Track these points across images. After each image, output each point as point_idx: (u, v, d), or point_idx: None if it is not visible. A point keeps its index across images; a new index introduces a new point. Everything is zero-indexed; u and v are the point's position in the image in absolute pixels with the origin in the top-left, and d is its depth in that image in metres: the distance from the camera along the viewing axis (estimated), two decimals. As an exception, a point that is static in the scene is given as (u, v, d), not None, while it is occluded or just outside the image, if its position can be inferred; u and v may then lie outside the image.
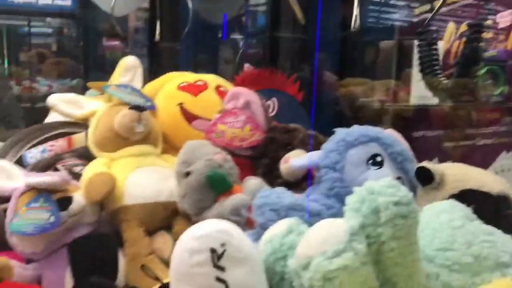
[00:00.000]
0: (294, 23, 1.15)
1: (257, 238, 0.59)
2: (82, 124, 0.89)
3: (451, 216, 0.51)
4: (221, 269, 0.45)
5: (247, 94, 0.82)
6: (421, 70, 1.12)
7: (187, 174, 0.74)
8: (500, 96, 1.26)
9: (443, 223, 0.51)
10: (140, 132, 0.82)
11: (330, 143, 0.66)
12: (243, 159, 0.83)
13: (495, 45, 1.32)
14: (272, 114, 1.01)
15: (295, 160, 0.69)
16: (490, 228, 0.51)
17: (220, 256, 0.46)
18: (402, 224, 0.43)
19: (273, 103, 1.02)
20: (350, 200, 0.46)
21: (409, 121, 1.17)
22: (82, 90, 1.78)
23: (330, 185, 0.64)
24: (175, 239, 0.76)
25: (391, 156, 0.64)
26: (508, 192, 0.60)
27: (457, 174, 0.61)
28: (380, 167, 0.62)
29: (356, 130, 0.67)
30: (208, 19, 1.75)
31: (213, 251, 0.47)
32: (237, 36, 1.92)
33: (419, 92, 1.16)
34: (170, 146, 0.90)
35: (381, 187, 0.44)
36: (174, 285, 0.48)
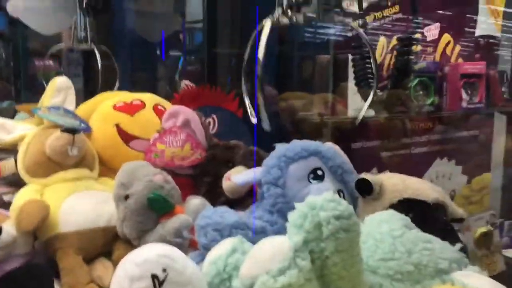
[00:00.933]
0: (231, 39, 1.15)
1: (201, 259, 0.58)
2: (10, 150, 0.84)
3: (392, 226, 0.52)
4: (164, 295, 0.44)
5: (186, 113, 0.80)
6: (356, 83, 1.15)
7: (126, 197, 0.71)
8: (432, 106, 1.32)
9: (384, 233, 0.52)
10: (74, 156, 0.79)
11: (271, 159, 0.66)
12: (184, 178, 0.82)
13: (424, 57, 1.38)
14: (213, 131, 1.00)
15: (236, 177, 0.68)
16: (428, 236, 0.52)
17: (162, 282, 0.45)
18: (344, 237, 0.43)
19: (213, 120, 1.01)
20: (292, 216, 0.45)
21: (348, 133, 1.20)
22: (13, 112, 1.70)
23: (273, 201, 0.63)
24: (116, 265, 0.73)
25: (331, 170, 0.65)
26: (443, 199, 0.62)
27: (395, 184, 0.63)
28: (321, 181, 0.63)
29: (296, 145, 0.67)
30: (144, 37, 1.72)
31: (154, 277, 0.45)
32: (176, 53, 1.90)
33: (356, 105, 1.19)
34: (107, 169, 0.87)
35: (322, 201, 0.44)
36: (114, 315, 0.46)
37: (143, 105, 0.91)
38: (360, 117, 1.05)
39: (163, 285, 0.45)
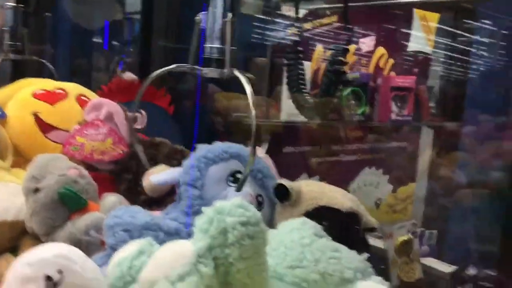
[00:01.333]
0: (169, 32, 1.12)
1: (107, 260, 0.55)
2: None
3: (302, 234, 0.52)
4: (57, 298, 0.41)
5: (110, 105, 0.77)
6: (289, 88, 1.16)
7: (36, 190, 0.68)
8: (362, 116, 1.35)
9: (294, 240, 0.52)
10: (-16, 144, 0.74)
11: (190, 160, 0.64)
12: (104, 173, 0.79)
13: (357, 68, 1.42)
14: (140, 127, 0.97)
15: (154, 176, 0.66)
16: (337, 245, 0.53)
17: (56, 284, 0.42)
18: (249, 244, 0.43)
19: (141, 115, 0.98)
20: (199, 220, 0.44)
21: (280, 137, 1.21)
22: None
23: (190, 203, 0.62)
24: (22, 262, 0.70)
25: (251, 174, 0.64)
26: (357, 209, 0.63)
27: (312, 191, 0.63)
28: None
29: (218, 146, 0.66)
30: (82, 25, 1.65)
31: (48, 278, 0.42)
32: (116, 43, 1.84)
33: (289, 109, 1.20)
34: (23, 159, 0.83)
35: (230, 207, 0.44)
36: (2, 319, 0.43)
37: (65, 94, 0.87)
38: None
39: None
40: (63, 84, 0.89)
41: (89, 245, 0.65)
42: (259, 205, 0.64)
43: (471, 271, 1.40)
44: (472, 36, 1.62)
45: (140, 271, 0.49)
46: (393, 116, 1.43)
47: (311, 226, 0.54)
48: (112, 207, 0.69)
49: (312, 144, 1.32)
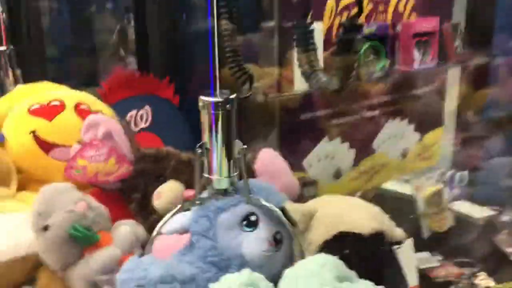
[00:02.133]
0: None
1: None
2: None
3: (321, 281, 0.48)
4: None
5: (106, 123, 0.72)
6: (297, 51, 1.06)
7: (45, 228, 0.65)
8: (382, 71, 1.26)
9: (313, 289, 0.48)
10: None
11: (200, 208, 0.59)
12: (112, 193, 0.76)
13: (375, 17, 1.30)
14: (146, 124, 0.93)
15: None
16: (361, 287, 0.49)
17: None
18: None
19: (145, 111, 0.93)
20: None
21: (296, 110, 1.14)
22: None
23: (204, 253, 0.58)
24: (41, 294, 0.69)
25: (263, 211, 0.59)
26: (380, 227, 0.58)
27: (328, 215, 0.58)
28: (255, 228, 0.58)
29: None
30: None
31: None
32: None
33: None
34: (28, 179, 0.80)
35: (238, 285, 0.40)
36: None
37: (62, 106, 0.82)
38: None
39: None
40: (59, 94, 0.83)
41: (107, 283, 0.63)
42: (279, 244, 0.59)
43: (506, 217, 1.36)
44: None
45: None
46: (416, 65, 1.33)
47: (331, 268, 0.50)
48: (125, 239, 0.67)
49: (330, 106, 1.25)
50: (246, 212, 0.57)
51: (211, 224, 0.57)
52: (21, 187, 0.79)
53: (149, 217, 0.73)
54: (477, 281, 0.98)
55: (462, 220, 1.33)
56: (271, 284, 0.41)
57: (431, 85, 1.52)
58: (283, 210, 0.59)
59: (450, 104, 1.61)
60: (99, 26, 1.68)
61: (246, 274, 0.40)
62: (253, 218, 0.57)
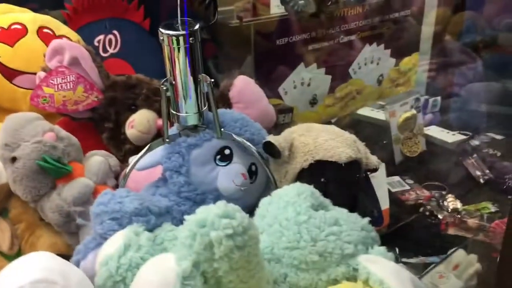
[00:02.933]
0: None
1: (97, 245, 0.53)
2: None
3: (297, 209, 0.49)
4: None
5: (72, 49, 0.68)
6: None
7: (13, 159, 0.63)
8: (361, -6, 1.22)
9: (289, 218, 0.48)
10: None
11: (171, 144, 0.58)
12: (84, 122, 0.73)
13: None
14: (116, 50, 0.88)
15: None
16: (335, 215, 0.49)
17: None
18: (238, 256, 0.40)
19: (114, 36, 0.88)
20: (181, 233, 0.40)
21: (272, 34, 1.10)
22: None
23: (178, 189, 0.57)
24: (14, 224, 0.68)
25: (240, 145, 0.58)
26: (356, 155, 0.58)
27: (306, 143, 0.58)
28: (230, 162, 0.57)
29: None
30: None
31: (31, 308, 0.40)
32: None
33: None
34: (-5, 108, 0.76)
35: (213, 218, 0.39)
36: None
37: (24, 30, 0.77)
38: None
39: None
40: (20, 17, 0.78)
41: (79, 215, 0.63)
42: (254, 175, 0.59)
43: (476, 142, 1.39)
44: None
45: (129, 269, 0.47)
46: (395, -14, 1.29)
47: (307, 196, 0.50)
48: (98, 170, 0.66)
49: (307, 31, 1.22)
50: (219, 146, 0.57)
51: (183, 160, 0.56)
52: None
53: (122, 147, 0.72)
54: (445, 203, 1.02)
55: (434, 145, 1.35)
56: (246, 215, 0.40)
57: (408, 9, 1.49)
58: (265, 144, 0.58)
59: (427, 28, 1.59)
60: None
61: (221, 205, 0.40)
62: (227, 151, 0.57)
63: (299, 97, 1.27)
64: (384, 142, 1.29)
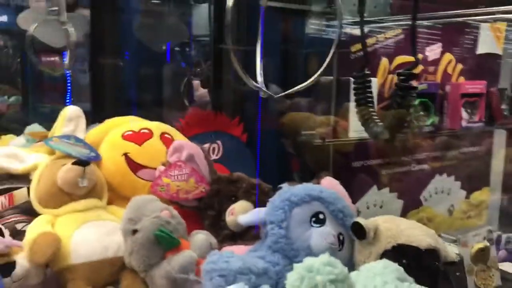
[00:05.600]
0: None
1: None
2: (22, 179, 0.87)
3: (384, 279, 0.55)
4: None
5: (190, 147, 0.84)
6: (356, 104, 1.17)
7: (134, 231, 0.75)
8: (432, 126, 1.35)
9: (377, 286, 0.55)
10: (85, 187, 0.82)
11: (276, 201, 0.69)
12: (189, 210, 0.85)
13: (425, 77, 1.40)
14: (217, 157, 1.03)
15: (242, 217, 0.72)
16: (420, 288, 0.55)
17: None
18: (339, 299, 0.47)
19: (217, 146, 1.04)
20: (290, 277, 0.49)
21: (349, 155, 1.23)
22: (21, 106, 1.73)
23: (276, 240, 0.67)
24: (124, 294, 0.77)
25: (332, 214, 0.68)
26: (436, 245, 0.65)
27: (389, 229, 0.66)
28: (323, 225, 0.67)
29: (300, 189, 0.70)
30: (148, 46, 1.72)
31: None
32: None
33: (357, 126, 1.21)
34: (116, 196, 0.90)
35: (319, 265, 0.48)
36: None
37: (150, 134, 0.93)
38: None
39: None
40: (148, 123, 0.96)
41: (184, 282, 0.71)
42: (341, 244, 0.67)
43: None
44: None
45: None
46: (464, 123, 1.41)
47: (393, 270, 0.57)
48: (202, 245, 0.76)
49: (381, 156, 1.33)
50: (315, 210, 0.67)
51: (285, 215, 0.66)
52: (108, 203, 0.90)
53: (220, 232, 0.83)
54: None
55: (509, 280, 1.33)
56: (346, 267, 0.48)
57: (478, 145, 1.58)
58: (354, 224, 0.67)
59: (497, 165, 1.65)
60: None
61: (326, 256, 0.48)
62: (321, 216, 0.67)
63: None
64: (457, 274, 1.30)
